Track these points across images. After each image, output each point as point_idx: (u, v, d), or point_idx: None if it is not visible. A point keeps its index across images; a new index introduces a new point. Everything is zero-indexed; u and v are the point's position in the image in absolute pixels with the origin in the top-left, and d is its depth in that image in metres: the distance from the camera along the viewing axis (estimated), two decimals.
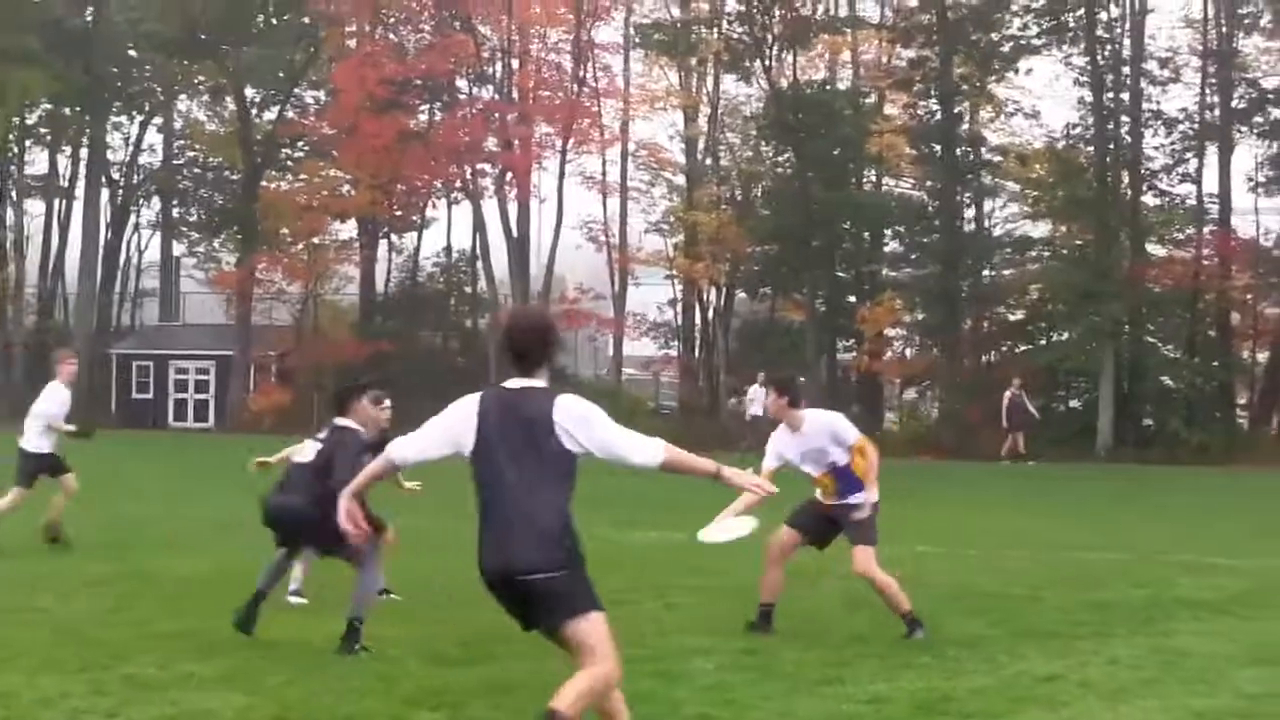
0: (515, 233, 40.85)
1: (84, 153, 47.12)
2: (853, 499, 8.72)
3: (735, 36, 41.29)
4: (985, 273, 39.73)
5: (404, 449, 5.48)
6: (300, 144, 46.12)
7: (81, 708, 6.73)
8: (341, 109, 40.55)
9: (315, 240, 44.40)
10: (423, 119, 44.01)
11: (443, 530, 13.14)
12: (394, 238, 46.75)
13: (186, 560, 12.16)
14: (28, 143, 47.79)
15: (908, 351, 42.71)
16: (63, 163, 48.68)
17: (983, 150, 40.61)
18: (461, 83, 44.18)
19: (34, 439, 12.81)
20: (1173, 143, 37.94)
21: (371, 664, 7.86)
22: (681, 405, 42.11)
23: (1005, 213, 41.97)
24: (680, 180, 45.18)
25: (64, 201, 48.22)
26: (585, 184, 43.47)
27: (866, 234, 41.23)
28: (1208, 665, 8.01)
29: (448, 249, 46.35)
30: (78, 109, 45.13)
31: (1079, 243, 37.38)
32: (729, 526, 7.21)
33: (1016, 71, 39.06)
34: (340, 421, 8.89)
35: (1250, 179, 38.69)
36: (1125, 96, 37.05)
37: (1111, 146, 36.53)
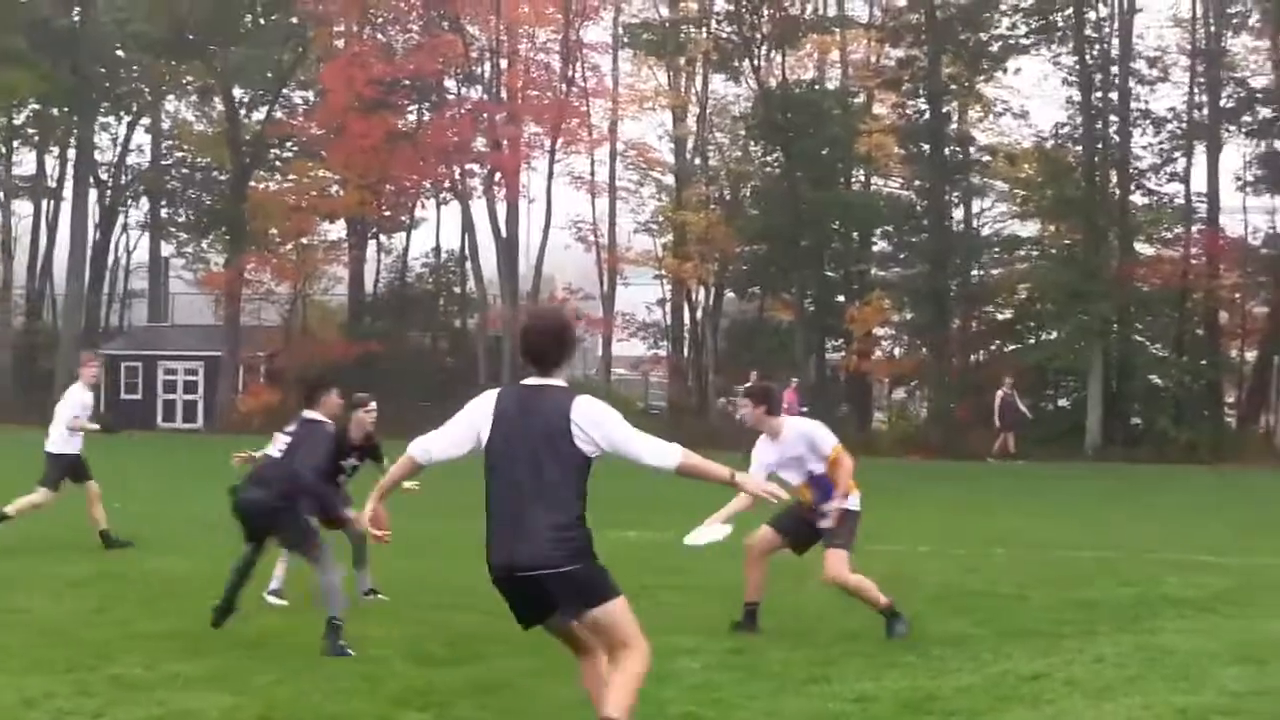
0: (504, 233, 40.77)
1: (71, 153, 46.81)
2: (824, 506, 8.70)
3: (724, 36, 41.32)
4: (974, 272, 39.72)
5: (428, 447, 5.51)
6: (289, 144, 46.00)
7: (67, 708, 6.72)
8: (330, 109, 40.50)
9: (304, 240, 44.28)
10: (411, 119, 43.91)
11: (430, 532, 13.16)
12: (383, 238, 46.68)
13: (173, 560, 12.15)
14: (15, 143, 47.51)
15: (896, 351, 42.75)
16: (50, 163, 48.53)
17: (971, 150, 40.61)
18: (450, 83, 44.13)
19: (58, 441, 12.92)
20: (1161, 142, 37.99)
21: (358, 664, 7.85)
22: (670, 405, 42.04)
23: (994, 212, 42.09)
24: (669, 180, 45.13)
25: (52, 202, 48.02)
26: (574, 184, 43.51)
27: (855, 233, 41.23)
28: (1192, 663, 8.03)
29: (436, 249, 46.34)
30: (65, 109, 44.89)
31: (1067, 242, 37.42)
32: (705, 532, 7.28)
33: (1005, 71, 39.07)
34: (308, 414, 8.91)
35: (1238, 178, 38.72)
36: (1114, 96, 37.10)
37: (1100, 146, 36.60)
